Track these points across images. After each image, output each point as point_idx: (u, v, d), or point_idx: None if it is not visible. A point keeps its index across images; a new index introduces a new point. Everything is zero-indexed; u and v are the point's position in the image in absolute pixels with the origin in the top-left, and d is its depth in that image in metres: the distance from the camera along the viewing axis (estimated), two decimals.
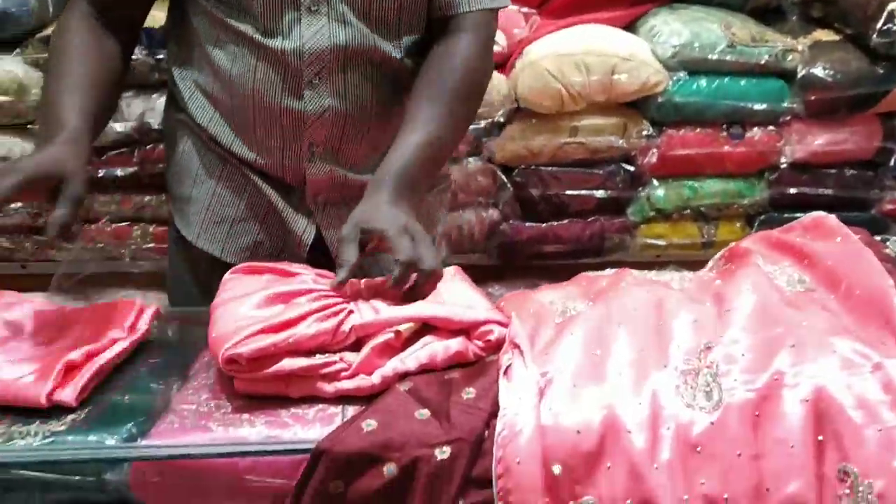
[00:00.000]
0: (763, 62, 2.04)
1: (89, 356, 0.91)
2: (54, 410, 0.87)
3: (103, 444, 0.83)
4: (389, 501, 0.81)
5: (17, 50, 1.92)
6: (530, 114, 2.05)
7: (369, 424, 0.84)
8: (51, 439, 0.83)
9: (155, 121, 1.96)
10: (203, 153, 1.21)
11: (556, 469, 0.80)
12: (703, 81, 2.05)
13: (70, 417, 0.87)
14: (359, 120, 1.15)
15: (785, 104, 2.08)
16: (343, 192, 1.19)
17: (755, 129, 2.11)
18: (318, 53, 1.10)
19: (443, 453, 0.81)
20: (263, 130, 1.15)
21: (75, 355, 0.90)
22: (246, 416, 0.87)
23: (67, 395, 0.87)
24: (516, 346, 0.92)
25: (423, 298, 0.96)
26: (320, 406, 0.89)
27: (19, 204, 2.00)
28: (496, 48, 2.07)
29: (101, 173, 2.00)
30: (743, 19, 2.15)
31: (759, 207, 2.20)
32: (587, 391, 0.85)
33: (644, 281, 1.04)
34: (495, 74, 2.06)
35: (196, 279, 1.27)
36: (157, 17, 1.21)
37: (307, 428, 0.86)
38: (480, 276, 1.54)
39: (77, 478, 0.84)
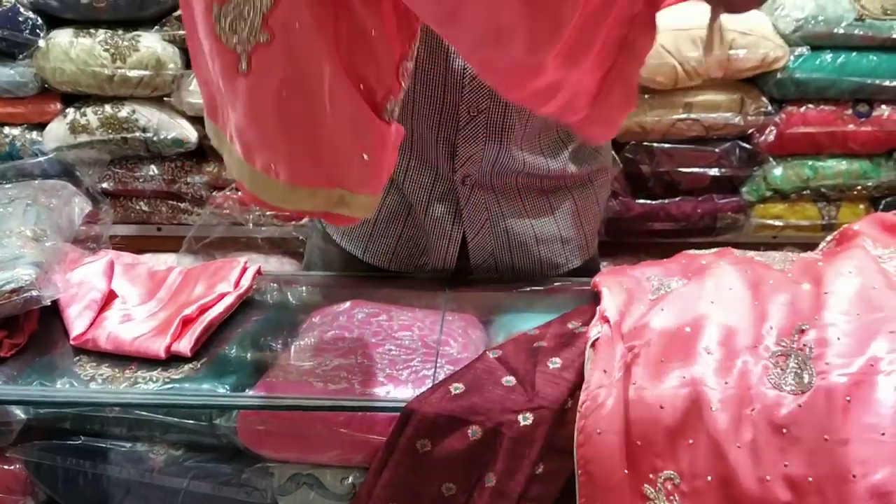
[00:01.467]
0: (895, 36, 1.94)
1: (202, 310, 1.00)
2: (173, 360, 0.96)
3: (215, 392, 0.91)
4: (472, 462, 0.85)
5: (157, 27, 2.04)
6: (643, 89, 2.01)
7: (457, 388, 0.87)
8: (169, 386, 0.92)
9: None
10: None
11: (638, 442, 0.82)
12: (827, 57, 1.96)
13: (188, 367, 0.95)
14: None
15: None
16: (492, 174, 1.14)
17: (883, 106, 2.01)
18: None
19: (526, 420, 0.84)
20: (420, 99, 1.08)
21: (190, 310, 0.99)
22: (345, 374, 0.93)
23: (183, 346, 0.95)
24: (606, 319, 0.94)
25: None
26: (414, 368, 0.94)
27: (156, 171, 2.15)
28: None
29: None
30: None
31: (886, 189, 2.09)
32: (673, 368, 0.86)
33: (743, 260, 1.03)
34: None
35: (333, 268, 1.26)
36: None
37: (400, 388, 0.91)
38: None
39: (191, 421, 0.92)
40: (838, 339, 0.85)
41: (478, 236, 1.17)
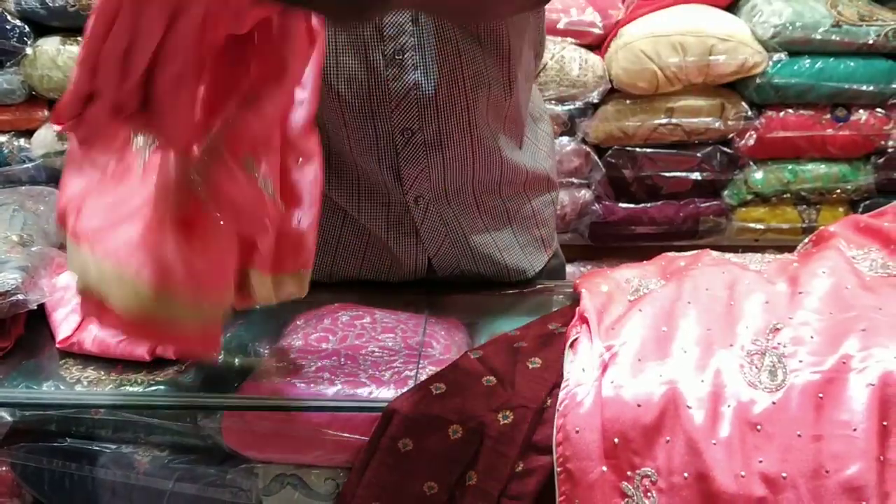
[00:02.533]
0: (871, 42, 1.96)
1: None
2: (158, 362, 0.97)
3: (199, 393, 0.92)
4: (454, 461, 0.86)
5: None
6: (625, 94, 2.04)
7: (438, 388, 0.89)
8: (154, 387, 0.93)
9: None
10: None
11: (615, 439, 0.83)
12: (805, 62, 1.99)
13: (172, 369, 0.96)
14: (450, 100, 1.06)
15: (894, 85, 2.00)
16: (445, 190, 1.12)
17: (861, 111, 2.04)
18: (400, 25, 1.00)
19: (506, 418, 0.86)
20: (353, 133, 1.06)
21: None
22: (328, 375, 0.94)
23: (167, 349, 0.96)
24: (584, 320, 0.96)
25: None
26: (397, 370, 0.95)
27: None
28: (593, 30, 2.07)
29: None
30: None
31: (864, 192, 2.13)
32: (650, 366, 0.87)
33: (721, 261, 1.05)
34: (590, 55, 2.06)
35: None
36: None
37: (382, 389, 0.92)
38: (572, 255, 1.52)
39: (176, 423, 0.93)
40: (811, 337, 0.87)
41: (439, 253, 1.17)
